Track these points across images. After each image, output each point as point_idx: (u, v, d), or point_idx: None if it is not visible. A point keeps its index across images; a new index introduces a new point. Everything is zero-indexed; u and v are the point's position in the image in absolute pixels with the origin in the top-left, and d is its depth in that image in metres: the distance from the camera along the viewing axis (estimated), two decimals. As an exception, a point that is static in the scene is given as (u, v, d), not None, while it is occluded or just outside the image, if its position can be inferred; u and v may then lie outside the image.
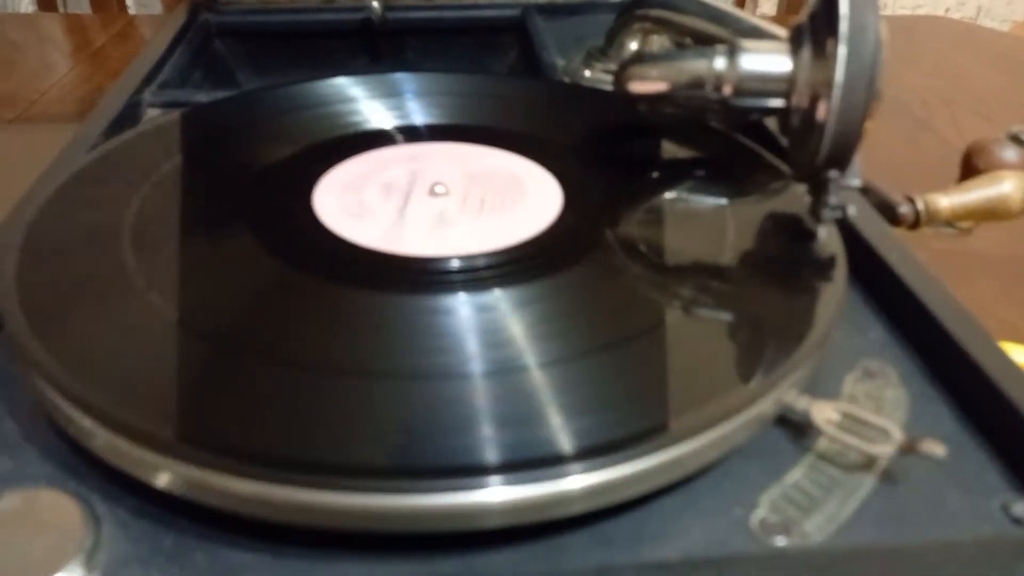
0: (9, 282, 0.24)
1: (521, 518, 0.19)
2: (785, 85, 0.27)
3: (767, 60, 0.27)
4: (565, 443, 0.19)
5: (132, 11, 1.13)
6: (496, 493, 0.18)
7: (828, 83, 0.25)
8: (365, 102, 0.36)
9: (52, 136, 0.56)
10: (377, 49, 0.56)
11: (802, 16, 0.27)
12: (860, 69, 0.24)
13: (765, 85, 0.28)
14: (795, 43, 0.27)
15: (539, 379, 0.21)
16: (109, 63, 0.70)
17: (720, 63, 0.28)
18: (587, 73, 0.44)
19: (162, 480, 0.19)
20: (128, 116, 0.38)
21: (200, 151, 0.32)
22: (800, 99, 0.27)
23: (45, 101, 0.61)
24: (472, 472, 0.18)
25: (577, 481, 0.19)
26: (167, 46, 0.46)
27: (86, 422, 0.20)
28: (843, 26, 0.24)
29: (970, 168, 0.37)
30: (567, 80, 0.45)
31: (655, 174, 0.32)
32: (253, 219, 0.27)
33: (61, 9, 1.11)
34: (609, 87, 0.42)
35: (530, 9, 0.55)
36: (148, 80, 0.42)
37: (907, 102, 0.61)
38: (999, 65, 0.72)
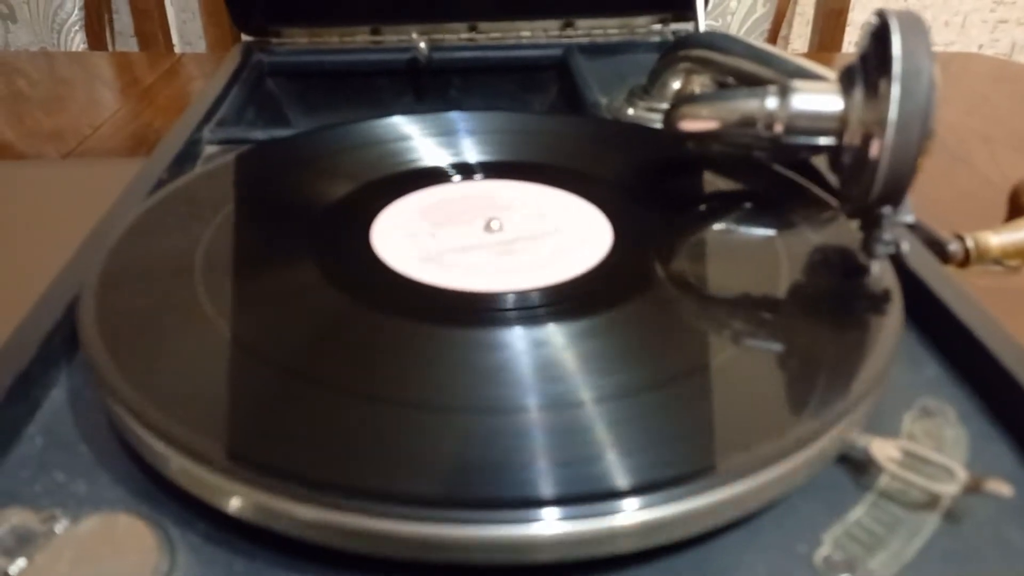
0: (88, 308, 0.25)
1: (577, 552, 0.19)
2: (836, 124, 0.28)
3: (819, 99, 0.28)
4: (624, 480, 0.19)
5: (178, 49, 1.17)
6: (552, 527, 0.19)
7: (881, 122, 0.25)
8: (419, 140, 0.37)
9: (106, 171, 0.58)
10: (422, 87, 0.57)
11: (853, 58, 0.28)
12: (914, 108, 0.25)
13: (816, 124, 0.28)
14: (846, 83, 0.28)
15: (596, 415, 0.21)
16: (158, 100, 0.73)
17: (772, 102, 0.28)
18: (630, 111, 0.45)
19: (234, 505, 0.20)
20: (188, 153, 0.40)
21: (266, 187, 0.33)
22: (852, 137, 0.27)
23: (97, 137, 0.64)
24: (528, 505, 0.19)
25: (634, 517, 0.19)
26: (224, 85, 0.47)
27: (160, 446, 0.21)
28: (896, 67, 0.25)
29: (1018, 206, 0.37)
30: (611, 118, 0.45)
31: (706, 209, 0.32)
32: (320, 256, 0.28)
33: (110, 48, 1.15)
34: (653, 125, 0.43)
35: (572, 48, 0.56)
36: (207, 118, 0.43)
37: (944, 138, 0.61)
38: (1037, 101, 0.71)
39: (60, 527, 0.20)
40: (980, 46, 1.33)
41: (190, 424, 0.21)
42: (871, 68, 0.26)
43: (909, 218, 0.27)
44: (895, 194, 0.26)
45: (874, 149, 0.25)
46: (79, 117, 0.68)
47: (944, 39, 1.31)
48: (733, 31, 1.20)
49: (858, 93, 0.27)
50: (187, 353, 0.24)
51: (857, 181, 0.27)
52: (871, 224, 0.27)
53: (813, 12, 1.15)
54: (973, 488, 0.21)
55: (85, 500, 0.21)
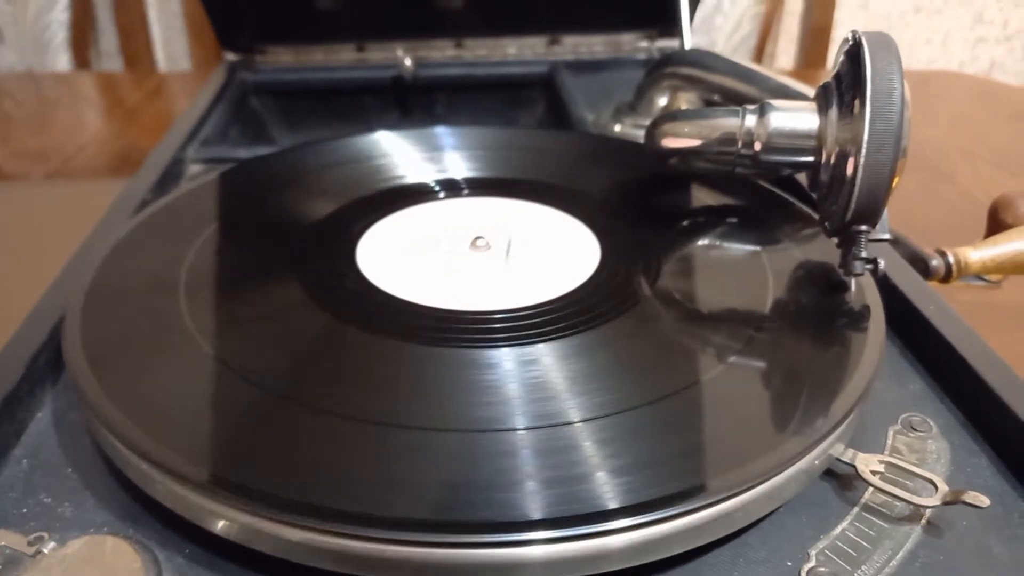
0: (73, 329, 0.25)
1: (567, 572, 0.19)
2: (813, 142, 0.28)
3: (795, 118, 0.28)
4: (613, 499, 0.19)
5: (163, 67, 1.17)
6: (541, 547, 0.19)
7: (856, 141, 0.25)
8: (405, 156, 0.37)
9: (89, 190, 0.58)
10: (407, 104, 0.57)
11: (827, 76, 0.28)
12: (887, 127, 0.25)
13: (793, 142, 0.28)
14: (822, 101, 0.28)
15: (584, 434, 0.21)
16: (142, 119, 0.72)
17: (750, 120, 0.29)
18: (617, 127, 0.45)
19: (219, 526, 0.20)
20: (173, 172, 0.40)
21: (250, 206, 0.33)
22: (828, 156, 0.27)
23: (82, 156, 0.63)
24: (517, 527, 0.19)
25: (623, 536, 0.19)
26: (208, 104, 0.47)
27: (145, 468, 0.21)
28: (868, 87, 0.25)
29: (997, 222, 0.38)
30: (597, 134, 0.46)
31: (692, 225, 0.32)
32: (305, 275, 0.28)
33: (95, 67, 1.14)
34: (639, 141, 0.43)
35: (558, 65, 0.57)
36: (191, 137, 0.43)
37: (927, 155, 0.62)
38: (1016, 119, 0.72)
39: (47, 549, 0.20)
40: (960, 63, 1.35)
41: (175, 445, 0.21)
42: (845, 87, 0.27)
43: (885, 235, 0.27)
44: (870, 212, 0.26)
45: (849, 168, 0.26)
46: (63, 137, 0.67)
47: (926, 57, 1.33)
48: (719, 47, 1.21)
49: (833, 112, 0.27)
50: (172, 374, 0.24)
51: (835, 199, 0.27)
52: (849, 242, 0.27)
53: (798, 29, 1.17)
54: (953, 500, 0.21)
55: (71, 522, 0.21)
